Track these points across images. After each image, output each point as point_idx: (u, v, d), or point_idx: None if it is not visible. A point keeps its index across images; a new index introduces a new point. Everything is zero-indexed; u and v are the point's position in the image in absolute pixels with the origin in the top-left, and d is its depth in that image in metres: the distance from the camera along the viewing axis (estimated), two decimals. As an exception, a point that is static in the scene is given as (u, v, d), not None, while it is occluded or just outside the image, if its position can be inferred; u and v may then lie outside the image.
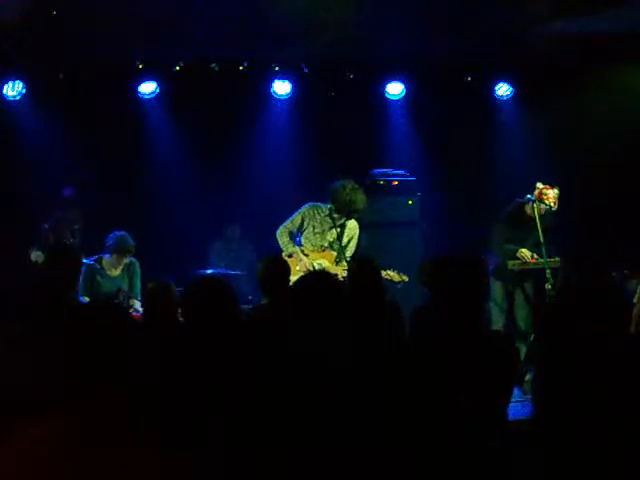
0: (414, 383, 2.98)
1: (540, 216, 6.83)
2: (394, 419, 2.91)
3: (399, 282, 6.77)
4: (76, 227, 7.59)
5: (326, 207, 6.93)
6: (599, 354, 3.10)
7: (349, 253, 6.88)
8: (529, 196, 6.88)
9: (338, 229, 6.86)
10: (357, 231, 7.03)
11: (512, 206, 7.13)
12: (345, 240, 6.88)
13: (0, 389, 2.92)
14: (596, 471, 2.96)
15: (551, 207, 6.84)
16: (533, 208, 6.87)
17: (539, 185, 6.89)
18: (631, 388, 3.06)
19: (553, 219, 6.94)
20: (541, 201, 6.84)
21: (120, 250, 6.71)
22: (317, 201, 6.98)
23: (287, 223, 6.95)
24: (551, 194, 6.86)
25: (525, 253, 6.90)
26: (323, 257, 6.92)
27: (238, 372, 2.92)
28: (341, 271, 6.56)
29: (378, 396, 2.97)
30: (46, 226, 7.32)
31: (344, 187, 6.80)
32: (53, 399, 2.25)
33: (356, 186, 6.83)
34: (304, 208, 6.98)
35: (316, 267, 6.78)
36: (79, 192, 7.65)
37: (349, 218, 6.88)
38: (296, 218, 6.96)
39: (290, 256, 6.75)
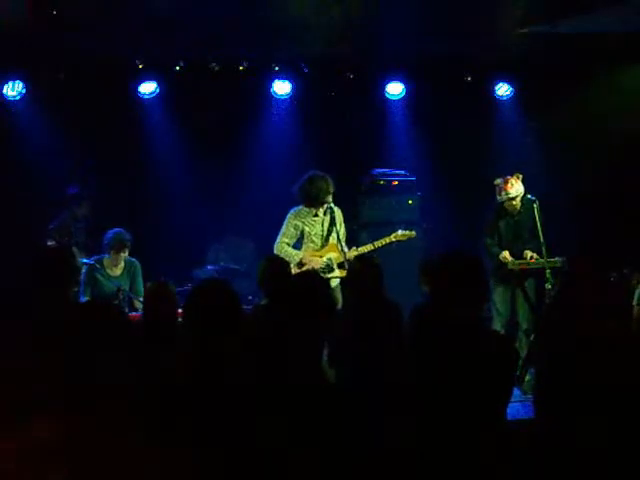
0: (413, 383, 2.98)
1: (515, 210, 7.01)
2: (393, 419, 2.91)
3: (408, 239, 6.94)
4: (80, 226, 7.61)
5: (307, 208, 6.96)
6: (599, 354, 3.11)
7: (343, 238, 6.91)
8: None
9: (328, 219, 6.87)
10: (342, 215, 7.06)
11: (493, 208, 7.18)
12: (338, 226, 6.92)
13: (0, 389, 2.92)
14: (596, 471, 2.96)
15: (508, 193, 6.95)
16: (509, 204, 7.02)
17: (497, 181, 7.00)
18: (631, 388, 3.06)
19: (530, 213, 6.92)
20: (505, 194, 6.97)
21: (116, 245, 6.62)
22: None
23: (282, 237, 6.90)
24: (509, 184, 6.97)
25: (506, 255, 6.95)
26: (329, 251, 6.92)
27: (238, 372, 2.92)
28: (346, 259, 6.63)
29: (378, 395, 2.98)
30: (52, 226, 7.35)
31: (306, 181, 6.84)
32: (53, 399, 2.25)
33: (317, 175, 6.85)
34: (290, 217, 6.95)
35: (327, 262, 6.81)
36: (84, 189, 7.65)
37: (321, 206, 6.88)
38: (288, 230, 6.91)
39: (301, 264, 6.73)
